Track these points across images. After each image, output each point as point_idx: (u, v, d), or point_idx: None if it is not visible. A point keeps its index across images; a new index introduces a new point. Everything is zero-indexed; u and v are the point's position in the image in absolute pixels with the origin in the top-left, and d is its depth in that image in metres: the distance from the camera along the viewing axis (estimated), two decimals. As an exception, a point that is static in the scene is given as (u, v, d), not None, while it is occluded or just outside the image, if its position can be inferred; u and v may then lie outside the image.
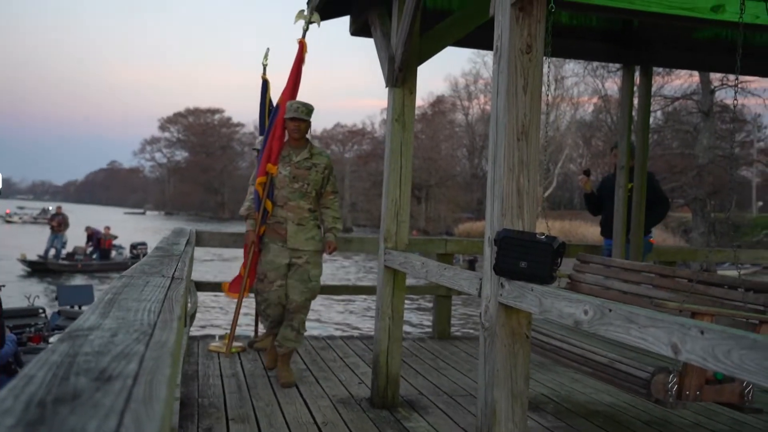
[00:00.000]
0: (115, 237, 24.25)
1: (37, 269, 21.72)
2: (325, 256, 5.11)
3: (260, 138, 5.90)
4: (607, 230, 6.63)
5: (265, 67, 6.10)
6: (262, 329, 5.96)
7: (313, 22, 5.37)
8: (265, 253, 4.96)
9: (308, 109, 4.93)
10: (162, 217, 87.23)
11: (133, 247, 24.21)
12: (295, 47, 5.35)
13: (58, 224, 23.22)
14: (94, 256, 23.07)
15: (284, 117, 4.96)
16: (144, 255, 24.77)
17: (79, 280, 19.26)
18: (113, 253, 23.81)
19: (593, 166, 46.81)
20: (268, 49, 6.15)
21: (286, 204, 4.90)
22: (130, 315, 1.54)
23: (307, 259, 4.92)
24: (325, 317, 15.21)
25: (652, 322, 1.99)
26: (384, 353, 4.60)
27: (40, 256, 22.45)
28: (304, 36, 5.33)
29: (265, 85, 6.13)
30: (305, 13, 5.39)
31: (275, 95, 5.56)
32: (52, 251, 22.89)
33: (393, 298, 4.67)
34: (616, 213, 6.24)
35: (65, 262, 22.32)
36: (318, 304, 14.95)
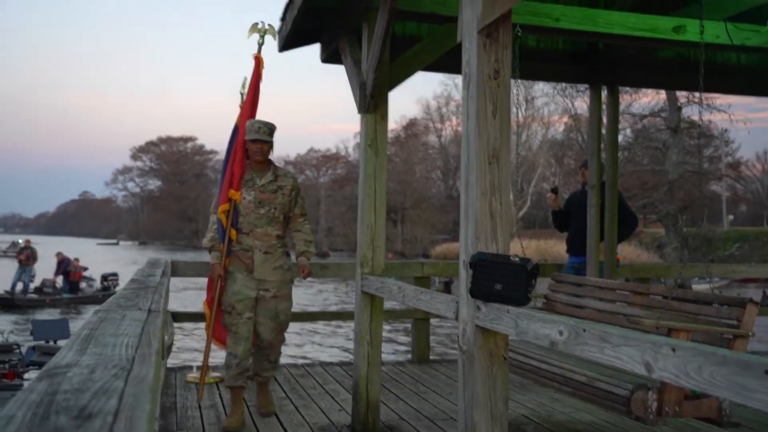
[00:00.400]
0: (85, 269, 23.74)
1: (4, 305, 21.07)
2: (299, 281, 4.99)
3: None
4: (572, 247, 6.67)
5: (242, 95, 6.11)
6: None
7: (268, 34, 5.19)
8: (231, 283, 4.61)
9: (270, 129, 4.65)
10: (136, 247, 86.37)
11: (104, 278, 23.64)
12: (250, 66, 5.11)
13: (26, 258, 22.51)
14: (64, 290, 22.53)
15: (245, 138, 4.67)
16: (115, 286, 23.93)
17: (47, 315, 18.89)
18: (83, 285, 23.23)
19: (566, 184, 47.26)
20: (245, 77, 6.15)
21: (252, 231, 4.60)
22: (108, 350, 1.54)
23: (274, 292, 4.62)
24: (305, 343, 15.12)
25: (625, 341, 2.02)
26: (363, 379, 4.59)
27: (6, 291, 21.81)
28: (259, 51, 5.09)
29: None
30: (259, 26, 5.18)
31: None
32: (20, 285, 22.25)
33: (371, 323, 4.67)
34: (590, 231, 6.31)
35: (33, 297, 21.75)
36: (295, 329, 14.87)
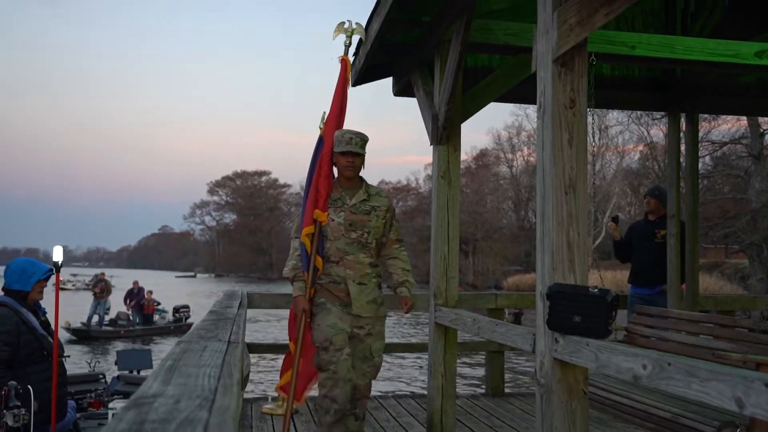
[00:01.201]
0: (158, 303, 24.20)
1: (81, 336, 21.77)
2: (401, 315, 4.79)
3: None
4: (637, 278, 6.45)
5: (321, 130, 6.22)
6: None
7: (355, 34, 4.76)
8: (323, 316, 3.93)
9: (363, 140, 4.00)
10: (212, 280, 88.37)
11: (176, 310, 24.14)
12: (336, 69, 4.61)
13: (101, 291, 23.17)
14: (137, 321, 23.14)
15: (333, 151, 4.05)
16: (187, 318, 24.43)
17: (122, 346, 19.44)
18: (156, 317, 23.86)
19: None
20: (324, 112, 6.28)
21: (343, 259, 3.97)
22: (191, 381, 1.57)
23: (369, 329, 4.01)
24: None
25: (714, 375, 1.94)
26: (438, 412, 4.54)
27: (83, 324, 22.50)
28: (346, 53, 4.65)
29: (321, 141, 6.24)
30: (345, 25, 4.74)
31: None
32: (95, 318, 22.90)
33: (445, 355, 4.63)
34: (669, 262, 6.12)
35: (109, 329, 22.35)
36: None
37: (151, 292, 24.24)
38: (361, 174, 4.10)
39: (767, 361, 3.19)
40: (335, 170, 4.13)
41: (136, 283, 24.49)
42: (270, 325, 23.58)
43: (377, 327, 4.05)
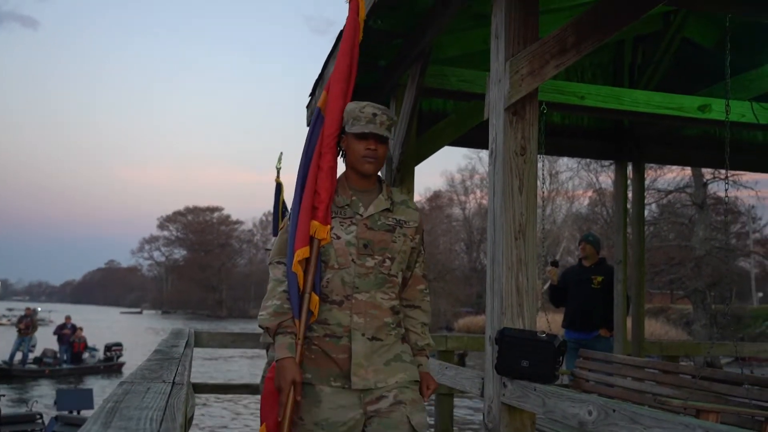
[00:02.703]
0: (85, 341, 22.61)
1: (1, 375, 20.00)
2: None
3: (274, 238, 5.95)
4: (571, 323, 6.43)
5: (278, 170, 6.25)
6: None
7: None
8: (308, 405, 2.44)
9: (390, 120, 2.55)
10: (159, 316, 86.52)
11: (107, 348, 22.67)
12: None
13: (26, 326, 21.51)
14: (65, 360, 21.71)
15: (343, 132, 2.58)
16: (119, 357, 23.21)
17: (46, 387, 18.45)
18: (86, 355, 22.42)
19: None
20: (281, 153, 6.28)
21: (350, 298, 2.44)
22: (132, 424, 1.53)
23: (395, 396, 2.43)
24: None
25: (657, 423, 1.97)
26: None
27: (4, 362, 20.88)
28: None
29: (279, 188, 6.25)
30: None
31: (288, 198, 5.53)
32: (19, 355, 21.25)
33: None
34: (616, 308, 6.23)
35: (33, 367, 20.84)
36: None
37: (81, 329, 22.84)
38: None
39: (707, 407, 3.25)
40: (338, 164, 2.61)
41: (68, 317, 23.29)
42: (222, 365, 23.10)
43: (408, 393, 2.44)
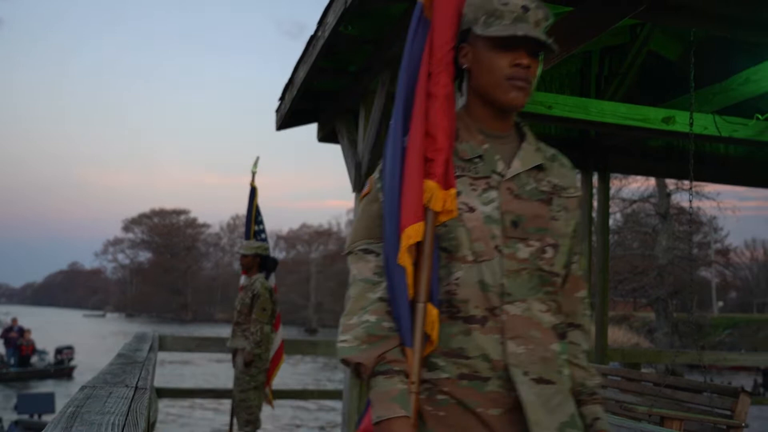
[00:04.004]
0: (33, 344, 22.00)
1: None
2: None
3: (245, 242, 5.92)
4: None
5: (254, 174, 6.24)
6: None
7: None
8: None
9: (548, 19, 1.54)
10: (123, 319, 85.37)
11: (58, 351, 21.99)
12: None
13: None
14: (10, 363, 21.10)
15: (467, 37, 1.54)
16: (70, 360, 22.58)
17: None
18: (34, 358, 21.81)
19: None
20: (258, 157, 6.28)
21: (498, 314, 1.43)
22: (94, 430, 1.51)
23: None
24: (290, 422, 14.80)
25: (618, 430, 2.00)
26: (350, 462, 4.47)
27: None
28: None
29: (254, 192, 6.23)
30: None
31: (263, 204, 5.53)
32: None
33: (360, 403, 4.60)
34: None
35: None
36: (279, 408, 14.60)
37: (29, 331, 22.16)
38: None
39: (671, 415, 3.30)
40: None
41: (14, 320, 22.53)
42: (186, 369, 22.86)
43: None
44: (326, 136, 5.61)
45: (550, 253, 1.47)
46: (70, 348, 22.27)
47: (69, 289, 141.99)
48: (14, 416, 9.77)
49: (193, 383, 17.89)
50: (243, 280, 5.82)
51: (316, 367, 28.35)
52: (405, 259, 1.41)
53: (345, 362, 1.43)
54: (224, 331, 12.82)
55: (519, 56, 1.46)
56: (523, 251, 1.44)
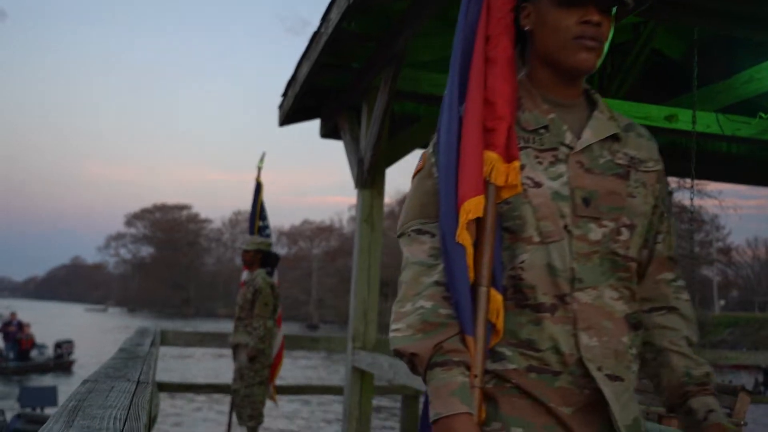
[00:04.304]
0: (33, 338, 22.00)
1: None
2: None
3: (248, 237, 5.94)
4: None
5: (259, 169, 6.26)
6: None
7: None
8: None
9: None
10: (125, 314, 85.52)
11: (58, 345, 21.97)
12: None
13: None
14: (9, 357, 21.08)
15: None
16: (69, 354, 22.51)
17: None
18: (34, 352, 21.85)
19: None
20: (264, 152, 6.31)
21: (568, 302, 1.28)
22: (96, 423, 1.52)
23: None
24: (291, 416, 14.84)
25: (619, 427, 2.00)
26: (351, 458, 4.48)
27: None
28: None
29: (259, 187, 6.25)
30: None
31: (267, 199, 5.55)
32: None
33: (361, 399, 4.61)
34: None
35: None
36: (280, 403, 14.63)
37: (28, 326, 22.16)
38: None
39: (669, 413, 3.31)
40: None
41: (13, 314, 22.51)
42: (188, 363, 22.90)
43: None
44: (329, 132, 5.61)
45: (625, 234, 1.31)
46: (69, 342, 22.29)
47: (71, 283, 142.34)
48: (15, 410, 9.82)
49: (195, 378, 17.93)
50: (245, 275, 5.84)
51: (317, 362, 28.42)
52: (464, 237, 1.26)
53: (398, 353, 1.31)
54: (226, 327, 12.88)
55: (588, 12, 1.31)
56: (596, 232, 1.28)
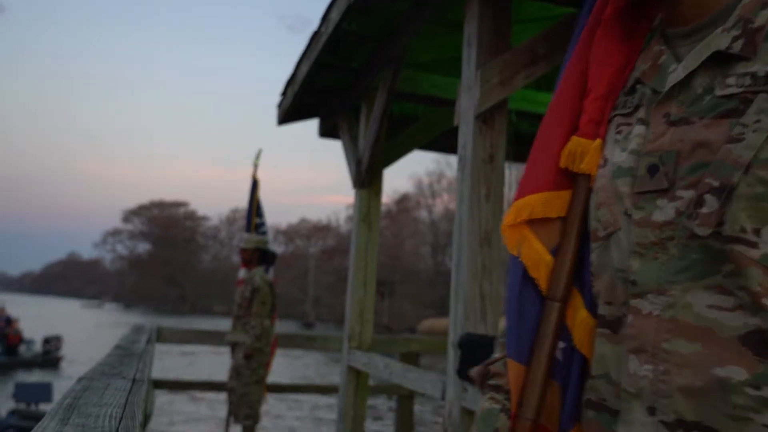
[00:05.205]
0: (21, 333, 21.63)
1: None
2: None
3: (246, 235, 5.96)
4: None
5: (256, 166, 6.27)
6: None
7: None
8: None
9: None
10: (121, 310, 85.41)
11: (46, 341, 21.58)
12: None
13: None
14: None
15: None
16: (58, 350, 22.16)
17: None
18: (22, 347, 21.49)
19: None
20: (260, 149, 6.32)
21: (625, 312, 0.89)
22: (91, 421, 1.52)
23: None
24: (286, 415, 14.83)
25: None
26: (345, 457, 4.49)
27: None
28: None
29: (255, 184, 6.26)
30: None
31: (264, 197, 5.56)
32: None
33: (356, 399, 4.62)
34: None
35: None
36: (275, 402, 14.63)
37: (16, 321, 21.77)
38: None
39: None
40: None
41: (2, 309, 22.08)
42: (184, 360, 22.86)
43: None
44: (327, 131, 5.62)
45: (711, 204, 0.81)
46: (57, 338, 21.95)
47: (67, 278, 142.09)
48: (8, 405, 9.81)
49: (191, 376, 17.90)
50: (242, 273, 5.84)
51: (314, 361, 28.40)
52: (511, 239, 1.05)
53: (471, 379, 1.20)
54: (222, 324, 12.84)
55: None
56: (665, 210, 0.86)
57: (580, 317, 0.97)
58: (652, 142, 0.89)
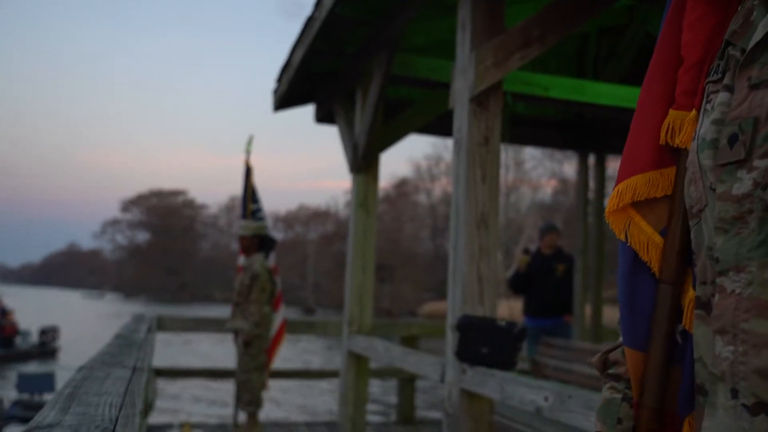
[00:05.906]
0: (16, 325, 21.53)
1: None
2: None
3: (244, 222, 5.95)
4: (534, 310, 6.43)
5: (248, 153, 6.25)
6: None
7: None
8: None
9: None
10: (121, 300, 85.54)
11: (42, 332, 21.50)
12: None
13: None
14: None
15: None
16: (54, 341, 21.97)
17: None
18: (18, 339, 21.38)
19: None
20: (251, 136, 6.29)
21: (713, 292, 0.83)
22: (91, 410, 1.53)
23: None
24: (286, 401, 14.91)
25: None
26: (347, 441, 4.52)
27: None
28: None
29: (249, 171, 6.25)
30: None
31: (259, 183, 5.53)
32: None
33: (356, 383, 4.64)
34: (576, 295, 6.34)
35: None
36: (278, 387, 14.68)
37: (12, 312, 21.71)
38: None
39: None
40: None
41: None
42: (185, 349, 22.93)
43: None
44: (324, 116, 5.61)
45: None
46: (54, 329, 21.85)
47: (67, 269, 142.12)
48: (10, 395, 9.85)
49: (192, 363, 17.97)
50: (241, 260, 5.84)
51: (315, 346, 28.48)
52: (617, 224, 1.01)
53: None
54: (223, 311, 12.88)
55: None
56: (744, 181, 0.79)
57: (689, 297, 0.93)
58: (734, 110, 0.81)
